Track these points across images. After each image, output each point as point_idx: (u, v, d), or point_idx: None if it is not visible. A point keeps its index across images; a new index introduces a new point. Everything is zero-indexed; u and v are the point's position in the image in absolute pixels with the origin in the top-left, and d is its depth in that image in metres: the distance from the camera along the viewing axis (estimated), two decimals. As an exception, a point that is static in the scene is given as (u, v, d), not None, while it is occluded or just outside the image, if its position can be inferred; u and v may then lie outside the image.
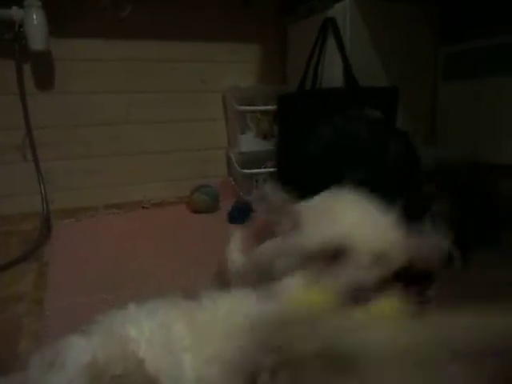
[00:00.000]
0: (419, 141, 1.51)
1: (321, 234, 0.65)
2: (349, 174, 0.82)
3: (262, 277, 0.67)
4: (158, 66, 2.06)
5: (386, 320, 0.55)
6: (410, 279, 0.61)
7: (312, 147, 1.50)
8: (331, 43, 1.77)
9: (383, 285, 0.60)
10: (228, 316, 0.59)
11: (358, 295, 0.58)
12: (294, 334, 0.48)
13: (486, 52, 1.69)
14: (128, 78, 2.01)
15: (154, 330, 0.59)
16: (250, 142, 1.97)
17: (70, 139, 1.97)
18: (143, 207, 2.06)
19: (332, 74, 1.78)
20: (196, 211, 1.94)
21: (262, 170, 1.96)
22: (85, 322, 0.63)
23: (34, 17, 1.66)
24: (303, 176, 1.44)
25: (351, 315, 0.55)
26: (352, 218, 0.67)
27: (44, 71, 1.86)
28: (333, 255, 0.63)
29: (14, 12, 1.68)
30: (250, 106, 1.99)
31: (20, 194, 1.91)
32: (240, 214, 1.68)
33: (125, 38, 1.96)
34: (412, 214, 0.68)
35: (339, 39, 1.73)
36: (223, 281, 0.82)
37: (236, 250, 0.80)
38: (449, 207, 0.92)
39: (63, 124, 1.95)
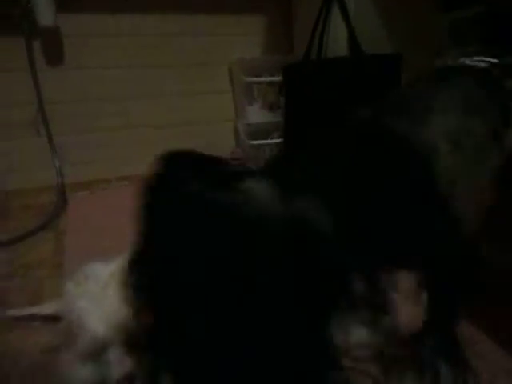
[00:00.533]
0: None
1: None
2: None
3: None
4: (164, 40, 2.07)
5: None
6: None
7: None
8: (336, 12, 1.76)
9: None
10: None
11: None
12: None
13: (489, 18, 1.67)
14: (135, 52, 2.03)
15: None
16: (256, 114, 2.00)
17: (80, 114, 2.01)
18: (154, 179, 2.11)
19: (337, 43, 1.79)
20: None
21: (269, 141, 1.99)
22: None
23: (41, -8, 1.68)
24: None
25: None
26: None
27: (53, 47, 1.89)
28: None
29: (21, -13, 1.70)
30: (256, 77, 2.00)
31: (35, 168, 1.98)
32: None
33: (131, 12, 1.98)
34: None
35: (344, 8, 1.72)
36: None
37: None
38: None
39: (73, 99, 1.99)
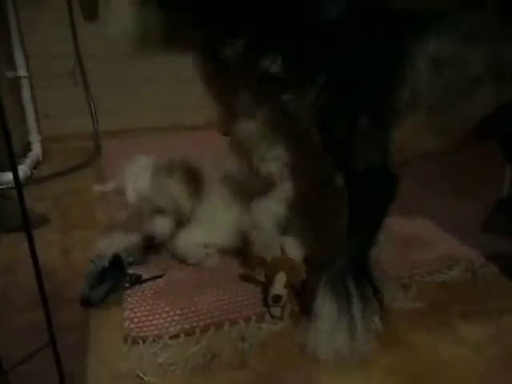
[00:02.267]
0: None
1: None
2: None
3: None
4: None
5: None
6: None
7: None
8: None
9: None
10: None
11: None
12: None
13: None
14: (163, 9, 2.17)
15: None
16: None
17: (113, 68, 2.17)
18: (180, 130, 2.29)
19: None
20: (226, 133, 2.16)
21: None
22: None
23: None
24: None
25: None
26: None
27: (90, 4, 2.04)
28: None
29: None
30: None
31: (70, 116, 2.16)
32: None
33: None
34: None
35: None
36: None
37: None
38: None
39: (106, 53, 2.14)
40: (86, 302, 0.82)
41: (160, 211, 0.90)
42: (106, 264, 0.84)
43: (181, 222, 0.92)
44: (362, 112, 0.67)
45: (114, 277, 0.85)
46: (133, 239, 0.95)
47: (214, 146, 2.06)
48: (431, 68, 0.67)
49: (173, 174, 0.90)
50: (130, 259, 0.92)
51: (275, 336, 0.72)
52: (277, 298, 0.75)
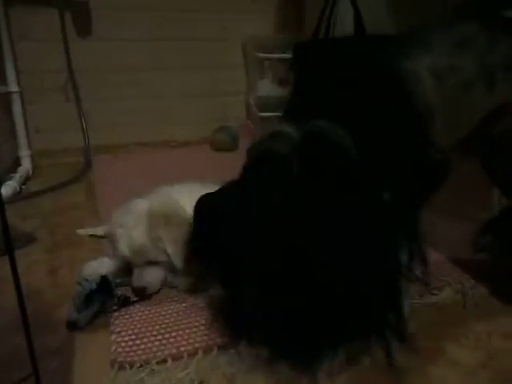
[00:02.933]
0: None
1: None
2: None
3: None
4: (183, 15, 2.22)
5: None
6: None
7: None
8: (344, -6, 1.90)
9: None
10: None
11: None
12: None
13: None
14: (155, 26, 2.19)
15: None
16: (267, 88, 2.16)
17: (105, 83, 2.18)
18: (171, 146, 2.29)
19: (344, 24, 1.93)
20: (218, 149, 2.16)
21: (278, 114, 2.15)
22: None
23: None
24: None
25: None
26: None
27: (83, 19, 2.05)
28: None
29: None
30: (268, 53, 2.15)
31: (61, 131, 2.16)
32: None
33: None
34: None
35: (352, -10, 1.86)
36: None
37: None
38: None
39: (100, 68, 2.15)
40: (73, 326, 0.80)
41: (152, 262, 0.90)
42: (94, 286, 0.83)
43: (173, 270, 0.91)
44: None
45: (101, 299, 0.83)
46: (121, 261, 0.94)
47: (205, 162, 2.07)
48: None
49: (167, 225, 0.89)
50: (119, 280, 0.90)
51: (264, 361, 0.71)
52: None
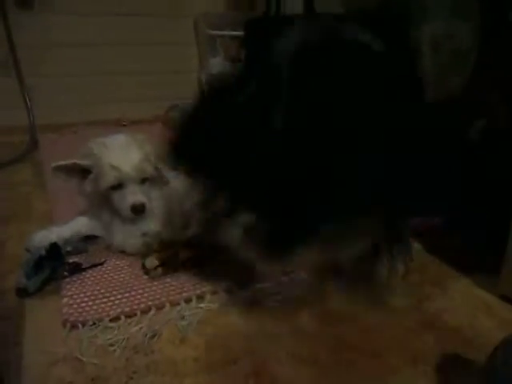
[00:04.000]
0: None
1: None
2: None
3: None
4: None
5: None
6: None
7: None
8: (293, -28, 1.93)
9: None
10: None
11: None
12: None
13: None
14: (103, 1, 2.12)
15: None
16: (219, 65, 2.16)
17: (50, 58, 2.10)
18: (122, 125, 2.24)
19: (293, 2, 1.97)
20: (171, 128, 2.15)
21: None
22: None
23: None
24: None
25: None
26: None
27: (23, -10, 1.95)
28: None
29: None
30: (219, 31, 2.15)
31: (5, 108, 2.06)
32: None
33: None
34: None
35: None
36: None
37: None
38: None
39: (44, 43, 2.07)
40: (22, 292, 0.80)
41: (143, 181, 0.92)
42: (43, 252, 0.82)
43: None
44: None
45: (51, 265, 0.83)
46: (71, 229, 0.94)
47: (158, 141, 2.05)
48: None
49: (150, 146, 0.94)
50: (69, 248, 0.90)
51: (214, 313, 0.75)
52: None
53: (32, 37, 2.03)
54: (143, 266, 0.85)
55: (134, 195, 0.88)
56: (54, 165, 0.90)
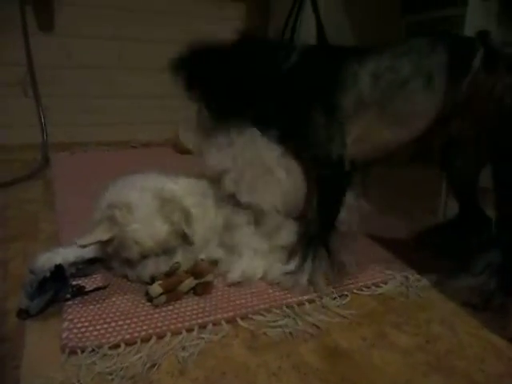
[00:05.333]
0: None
1: None
2: None
3: None
4: (150, 16, 2.23)
5: None
6: None
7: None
8: (308, 6, 1.98)
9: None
10: None
11: None
12: None
13: (437, 22, 1.94)
14: (120, 25, 2.19)
15: None
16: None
17: (66, 79, 2.15)
18: (132, 146, 2.27)
19: (307, 34, 2.01)
20: (181, 152, 2.17)
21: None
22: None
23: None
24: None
25: None
26: None
27: (46, 13, 2.02)
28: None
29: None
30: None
31: (19, 127, 2.10)
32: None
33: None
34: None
35: (315, 2, 1.94)
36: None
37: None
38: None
39: (62, 65, 2.12)
40: (24, 314, 0.79)
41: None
42: (48, 274, 0.82)
43: None
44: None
45: (54, 287, 0.83)
46: (77, 252, 0.93)
47: (166, 164, 2.07)
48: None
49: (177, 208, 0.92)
50: (73, 270, 0.90)
51: (215, 345, 0.74)
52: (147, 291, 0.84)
53: (50, 58, 2.09)
54: (146, 293, 0.85)
55: (155, 265, 0.87)
56: (79, 243, 0.86)
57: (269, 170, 0.98)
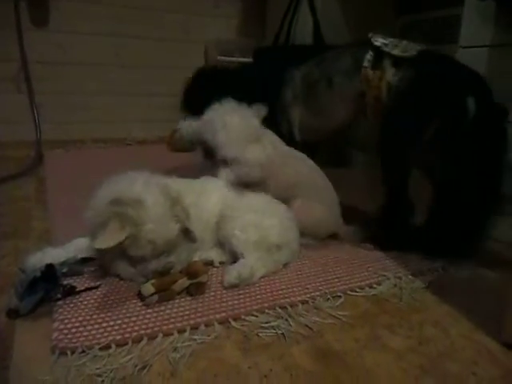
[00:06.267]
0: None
1: None
2: None
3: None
4: (145, 14, 2.22)
5: None
6: None
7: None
8: (304, 4, 1.97)
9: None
10: None
11: None
12: None
13: (433, 23, 1.93)
14: (118, 21, 2.17)
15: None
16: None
17: (61, 76, 2.13)
18: (127, 144, 2.26)
19: (303, 33, 2.00)
20: (175, 150, 2.15)
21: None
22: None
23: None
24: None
25: None
26: None
27: (40, 8, 2.00)
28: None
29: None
30: (229, 57, 2.19)
31: (13, 123, 2.08)
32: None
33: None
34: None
35: (311, 1, 1.94)
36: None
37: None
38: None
39: (55, 61, 2.10)
40: (13, 313, 0.78)
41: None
42: (38, 274, 0.81)
43: None
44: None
45: (45, 287, 0.82)
46: (69, 251, 0.92)
47: (161, 161, 2.06)
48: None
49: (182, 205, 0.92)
50: (64, 270, 0.89)
51: (207, 346, 0.73)
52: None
53: (44, 54, 2.07)
54: (139, 293, 0.84)
55: (158, 262, 0.87)
56: (98, 246, 0.82)
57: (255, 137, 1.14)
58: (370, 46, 1.12)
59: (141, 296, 0.83)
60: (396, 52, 1.09)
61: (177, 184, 0.98)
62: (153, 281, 0.84)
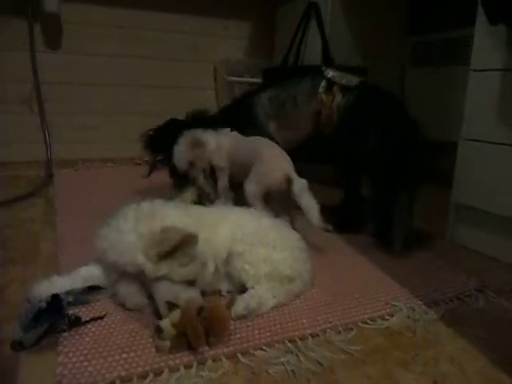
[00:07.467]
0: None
1: None
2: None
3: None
4: (156, 35, 2.24)
5: None
6: None
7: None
8: (313, 25, 1.98)
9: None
10: None
11: None
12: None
13: (444, 43, 1.93)
14: (128, 43, 2.20)
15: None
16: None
17: (72, 96, 2.15)
18: (136, 163, 2.27)
19: (312, 53, 2.01)
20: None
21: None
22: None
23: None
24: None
25: None
26: None
27: (54, 32, 2.03)
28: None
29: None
30: (238, 77, 2.20)
31: (24, 143, 2.10)
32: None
33: (129, 7, 2.14)
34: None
35: (320, 22, 1.95)
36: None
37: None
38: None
39: (67, 82, 2.13)
40: (18, 346, 0.77)
41: None
42: (44, 305, 0.80)
43: None
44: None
45: (50, 319, 0.80)
46: (75, 280, 0.91)
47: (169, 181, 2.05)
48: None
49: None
50: (71, 299, 0.88)
51: (214, 383, 0.71)
52: (157, 329, 0.77)
53: (56, 75, 2.10)
54: (158, 328, 0.77)
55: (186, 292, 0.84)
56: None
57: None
58: (324, 76, 1.46)
59: (158, 333, 0.78)
60: (343, 82, 1.43)
61: (188, 218, 0.95)
62: (174, 320, 0.78)
